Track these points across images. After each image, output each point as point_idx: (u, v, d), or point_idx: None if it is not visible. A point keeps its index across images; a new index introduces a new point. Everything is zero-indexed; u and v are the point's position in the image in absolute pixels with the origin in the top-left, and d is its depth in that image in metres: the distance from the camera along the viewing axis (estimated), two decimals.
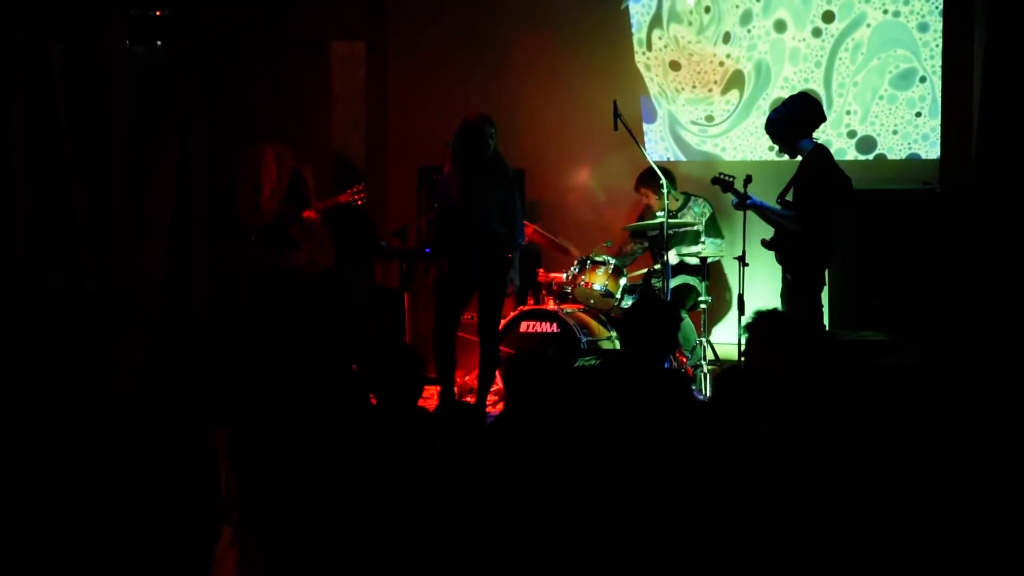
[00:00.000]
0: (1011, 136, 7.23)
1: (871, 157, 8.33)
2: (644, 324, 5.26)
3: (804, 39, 8.41)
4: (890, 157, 8.30)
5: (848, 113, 8.29)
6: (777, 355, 4.90)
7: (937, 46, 8.10)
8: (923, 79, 8.18)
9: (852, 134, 8.31)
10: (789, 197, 7.02)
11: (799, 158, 7.04)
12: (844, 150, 8.28)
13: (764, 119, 8.03)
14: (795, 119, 6.95)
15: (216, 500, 4.31)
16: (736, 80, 8.57)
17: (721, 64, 8.57)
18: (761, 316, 5.11)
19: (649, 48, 8.73)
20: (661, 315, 5.37)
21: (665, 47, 8.70)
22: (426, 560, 4.36)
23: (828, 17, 8.36)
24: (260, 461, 4.29)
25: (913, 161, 8.24)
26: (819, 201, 6.84)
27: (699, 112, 8.69)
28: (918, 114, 8.21)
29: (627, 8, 8.69)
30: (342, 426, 4.61)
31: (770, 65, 8.48)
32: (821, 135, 7.46)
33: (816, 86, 8.38)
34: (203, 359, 6.51)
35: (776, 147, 7.30)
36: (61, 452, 5.54)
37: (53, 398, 6.05)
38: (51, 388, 6.13)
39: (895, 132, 8.27)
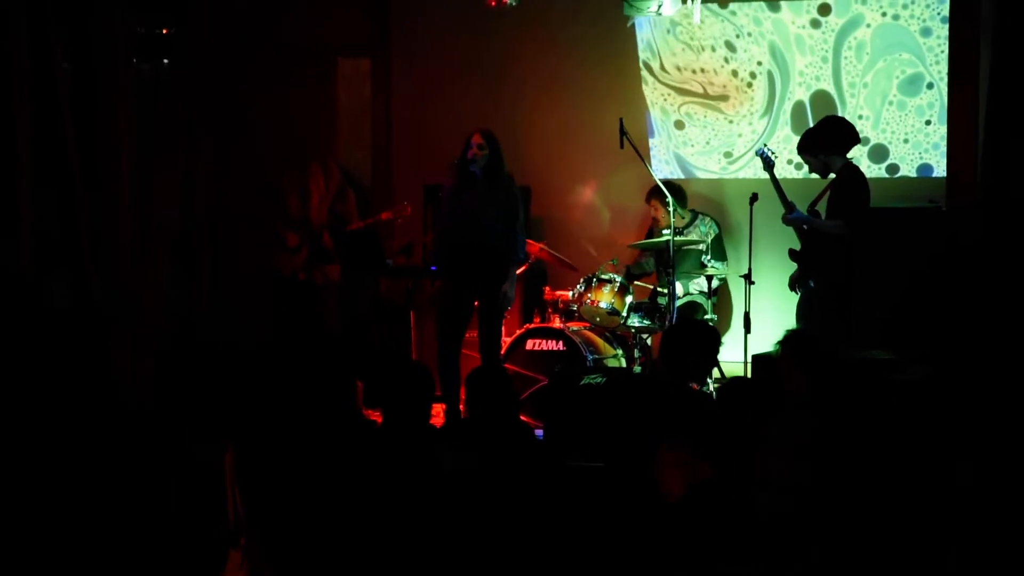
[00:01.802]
0: (1017, 154, 7.22)
1: (884, 167, 8.29)
2: (690, 347, 5.29)
3: (804, 26, 8.39)
4: (902, 167, 8.27)
5: (860, 118, 8.29)
6: (795, 372, 4.97)
7: (942, 52, 8.08)
8: (930, 85, 8.17)
9: (865, 141, 8.29)
10: (819, 208, 7.10)
11: (831, 176, 7.10)
12: (858, 159, 8.27)
13: (783, 131, 8.05)
14: (828, 137, 7.02)
15: (223, 524, 4.30)
16: (769, 101, 8.54)
17: (753, 77, 8.54)
18: (789, 333, 5.19)
19: (654, 72, 8.73)
20: (706, 340, 5.40)
21: (673, 106, 8.73)
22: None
23: (824, 10, 8.33)
24: (267, 483, 4.28)
25: (919, 179, 8.23)
26: (859, 208, 6.94)
27: (717, 155, 8.68)
28: (927, 122, 8.20)
29: (633, 26, 8.68)
30: (349, 445, 4.60)
31: (783, 52, 8.44)
32: None
33: (827, 85, 8.35)
34: (208, 374, 6.51)
35: (805, 166, 7.31)
36: (65, 462, 5.54)
37: (57, 406, 6.05)
38: (55, 396, 6.13)
39: (906, 141, 8.25)
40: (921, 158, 8.25)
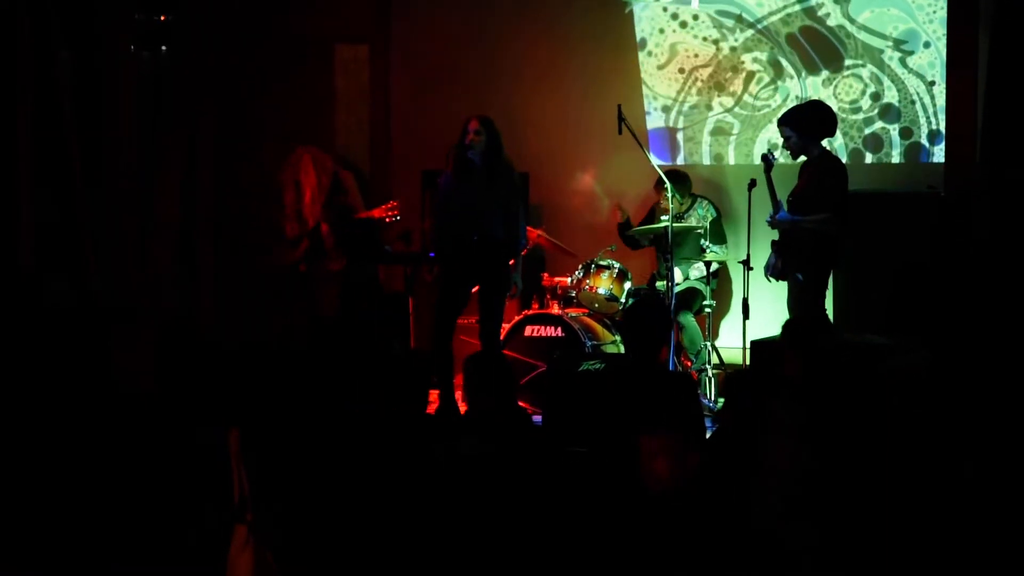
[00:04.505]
0: (1015, 139, 7.24)
1: (896, 129, 8.26)
2: (636, 320, 5.36)
3: None
4: (914, 131, 8.24)
5: (863, 66, 8.28)
6: (790, 358, 4.98)
7: (935, 12, 8.05)
8: (927, 44, 8.15)
9: (874, 96, 8.28)
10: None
11: (801, 159, 7.07)
12: (872, 118, 8.27)
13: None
14: (810, 120, 6.98)
15: (229, 501, 4.32)
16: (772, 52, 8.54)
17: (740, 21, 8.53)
18: (787, 320, 5.23)
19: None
20: (648, 308, 5.47)
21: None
22: (436, 561, 4.37)
23: None
24: (272, 462, 4.29)
25: (918, 164, 8.24)
26: (844, 198, 6.91)
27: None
28: (932, 83, 8.18)
29: (631, 12, 8.70)
30: (353, 428, 4.61)
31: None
32: (846, 95, 7.89)
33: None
34: (213, 361, 6.53)
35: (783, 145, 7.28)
36: (69, 453, 5.56)
37: (59, 400, 6.06)
38: (57, 390, 6.14)
39: (914, 102, 8.24)
40: (931, 123, 8.20)
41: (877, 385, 5.39)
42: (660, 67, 8.74)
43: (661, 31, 8.72)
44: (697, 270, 8.13)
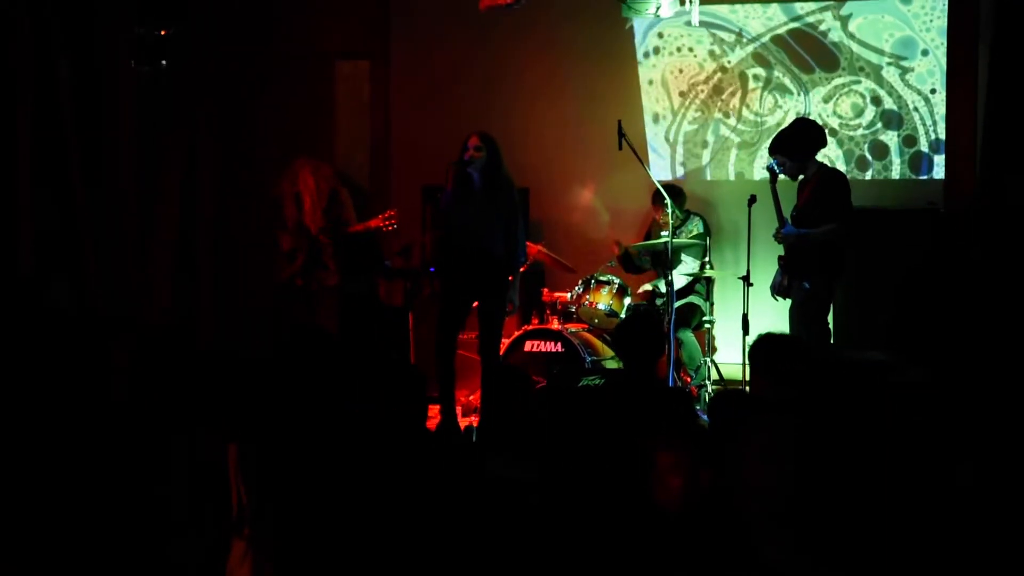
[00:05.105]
0: (1016, 148, 7.26)
1: (900, 135, 8.28)
2: (626, 334, 5.38)
3: None
4: (917, 139, 8.27)
5: (861, 70, 8.29)
6: (758, 379, 4.95)
7: (931, 20, 8.09)
8: (925, 52, 8.17)
9: (876, 101, 8.30)
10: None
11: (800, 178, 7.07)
12: (877, 129, 8.29)
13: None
14: (800, 139, 6.96)
15: (227, 515, 4.30)
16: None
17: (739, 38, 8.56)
18: (754, 340, 5.17)
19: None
20: (636, 321, 5.49)
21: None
22: (438, 570, 4.36)
23: None
24: (271, 476, 4.28)
25: (918, 181, 8.25)
26: (850, 207, 6.89)
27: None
28: (932, 91, 8.20)
29: (631, 28, 8.72)
30: (354, 442, 4.60)
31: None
32: (847, 107, 7.96)
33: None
34: (211, 372, 6.52)
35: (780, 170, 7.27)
36: (68, 460, 5.55)
37: (58, 405, 6.05)
38: (56, 395, 6.13)
39: (916, 109, 8.26)
40: (929, 134, 8.21)
41: (875, 401, 5.39)
42: (673, 111, 8.76)
43: (651, 83, 8.77)
44: (685, 278, 8.11)
